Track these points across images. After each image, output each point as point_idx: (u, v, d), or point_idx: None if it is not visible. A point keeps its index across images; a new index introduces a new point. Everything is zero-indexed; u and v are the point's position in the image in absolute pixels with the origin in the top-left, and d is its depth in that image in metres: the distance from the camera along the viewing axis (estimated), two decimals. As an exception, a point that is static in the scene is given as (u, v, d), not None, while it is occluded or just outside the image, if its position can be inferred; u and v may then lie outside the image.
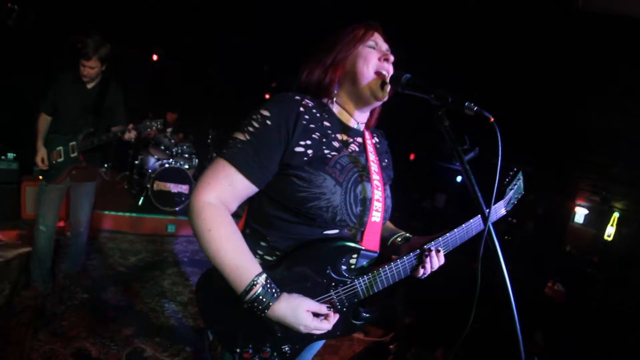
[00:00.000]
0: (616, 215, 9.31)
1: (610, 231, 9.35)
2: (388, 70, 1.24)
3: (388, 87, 1.25)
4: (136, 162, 6.42)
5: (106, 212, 5.21)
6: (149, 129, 3.04)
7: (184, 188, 5.79)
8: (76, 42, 2.96)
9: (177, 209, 5.68)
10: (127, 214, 5.32)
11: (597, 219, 9.94)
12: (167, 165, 5.72)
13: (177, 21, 6.92)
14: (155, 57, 8.81)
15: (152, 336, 2.95)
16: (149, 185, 5.59)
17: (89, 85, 3.09)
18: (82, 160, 3.07)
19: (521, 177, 1.60)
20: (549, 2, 3.46)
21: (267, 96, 7.93)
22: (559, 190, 9.20)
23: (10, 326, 2.75)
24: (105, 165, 7.02)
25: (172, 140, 6.32)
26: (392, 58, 1.26)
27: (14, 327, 2.75)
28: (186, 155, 6.33)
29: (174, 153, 6.19)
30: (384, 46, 1.30)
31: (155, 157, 6.07)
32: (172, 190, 5.72)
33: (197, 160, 6.47)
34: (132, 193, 6.32)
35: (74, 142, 3.04)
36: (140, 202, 5.68)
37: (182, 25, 7.07)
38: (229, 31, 6.89)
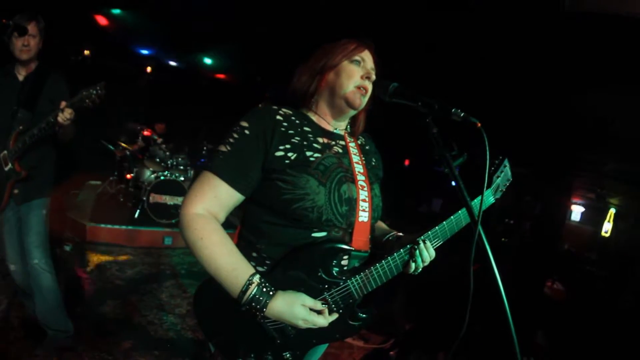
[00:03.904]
0: (612, 211, 9.34)
1: (607, 227, 9.37)
2: (367, 88, 1.30)
3: (364, 99, 1.31)
4: (132, 174, 6.42)
5: (102, 225, 5.19)
6: (87, 100, 2.22)
7: (179, 200, 5.77)
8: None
9: (173, 221, 5.65)
10: (124, 227, 5.30)
11: (594, 216, 9.98)
12: (162, 178, 5.72)
13: (171, 34, 6.97)
14: (149, 70, 8.87)
15: (151, 349, 2.93)
16: (144, 198, 5.57)
17: (22, 75, 2.49)
18: (19, 170, 2.41)
19: (507, 164, 1.60)
20: (537, 3, 3.50)
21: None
22: (554, 189, 9.23)
23: (8, 341, 2.73)
24: (111, 178, 7.02)
25: (167, 153, 6.32)
26: (373, 77, 1.31)
27: (12, 342, 2.73)
28: (181, 167, 6.31)
29: (169, 165, 6.19)
30: (370, 64, 1.34)
31: (151, 169, 6.06)
32: (168, 203, 5.70)
33: (192, 172, 6.46)
34: (127, 206, 6.30)
35: (4, 152, 2.41)
36: (136, 215, 5.65)
37: (175, 37, 7.12)
38: (222, 42, 6.94)
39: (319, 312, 1.18)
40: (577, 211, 10.37)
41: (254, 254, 1.25)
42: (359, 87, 1.29)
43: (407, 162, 9.21)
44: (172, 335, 3.20)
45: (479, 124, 1.02)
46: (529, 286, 6.45)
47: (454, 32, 4.26)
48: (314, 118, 1.36)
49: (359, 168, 1.33)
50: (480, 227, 1.01)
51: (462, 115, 1.05)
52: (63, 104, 2.21)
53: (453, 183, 1.07)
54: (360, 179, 1.31)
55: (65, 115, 2.20)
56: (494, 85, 5.11)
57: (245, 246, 1.27)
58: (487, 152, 1.02)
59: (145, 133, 6.74)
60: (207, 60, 8.42)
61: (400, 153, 9.01)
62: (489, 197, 1.52)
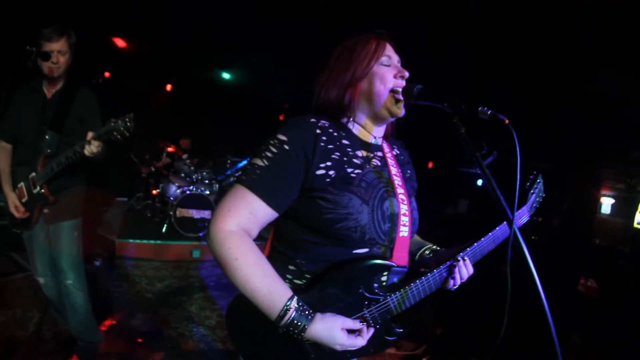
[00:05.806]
0: (644, 200, 9.02)
1: (639, 218, 9.05)
2: (402, 87, 1.24)
3: (402, 103, 1.25)
4: (157, 190, 6.56)
5: (130, 240, 5.31)
6: (115, 132, 2.04)
7: (206, 214, 5.87)
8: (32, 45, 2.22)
9: (200, 234, 5.75)
10: (152, 242, 5.41)
11: (625, 207, 9.65)
12: (188, 192, 5.83)
13: (189, 50, 7.12)
14: (169, 87, 9.07)
15: (183, 361, 2.97)
16: (171, 213, 5.69)
17: (50, 93, 2.38)
18: (47, 194, 2.35)
19: (541, 180, 1.58)
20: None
21: (282, 117, 8.07)
22: (582, 182, 8.97)
23: (40, 353, 2.78)
24: (138, 194, 7.20)
25: (192, 167, 6.43)
26: (407, 74, 1.26)
27: (44, 354, 2.77)
28: (206, 181, 6.42)
29: (194, 180, 6.30)
30: (396, 58, 1.29)
31: (176, 184, 6.19)
32: (195, 216, 5.79)
33: (217, 186, 6.56)
34: (155, 221, 6.42)
35: (33, 174, 2.35)
36: (163, 229, 5.76)
37: (193, 54, 7.27)
38: (240, 57, 7.07)
39: (358, 332, 1.16)
40: (607, 203, 10.04)
41: (292, 267, 1.22)
42: (393, 91, 1.23)
43: (430, 165, 9.11)
44: (203, 346, 3.22)
45: (507, 121, 1.01)
46: (562, 285, 6.27)
47: (468, 24, 4.21)
48: (353, 129, 1.30)
49: (397, 181, 1.28)
50: (515, 228, 0.99)
51: (489, 112, 1.03)
52: (90, 135, 2.09)
53: (480, 182, 1.05)
54: (400, 192, 1.27)
55: (92, 148, 2.09)
56: (516, 79, 5.03)
57: (280, 259, 1.24)
58: (518, 148, 1.00)
59: (169, 149, 6.89)
60: (226, 75, 8.61)
61: (423, 155, 8.91)
62: (523, 214, 1.50)
